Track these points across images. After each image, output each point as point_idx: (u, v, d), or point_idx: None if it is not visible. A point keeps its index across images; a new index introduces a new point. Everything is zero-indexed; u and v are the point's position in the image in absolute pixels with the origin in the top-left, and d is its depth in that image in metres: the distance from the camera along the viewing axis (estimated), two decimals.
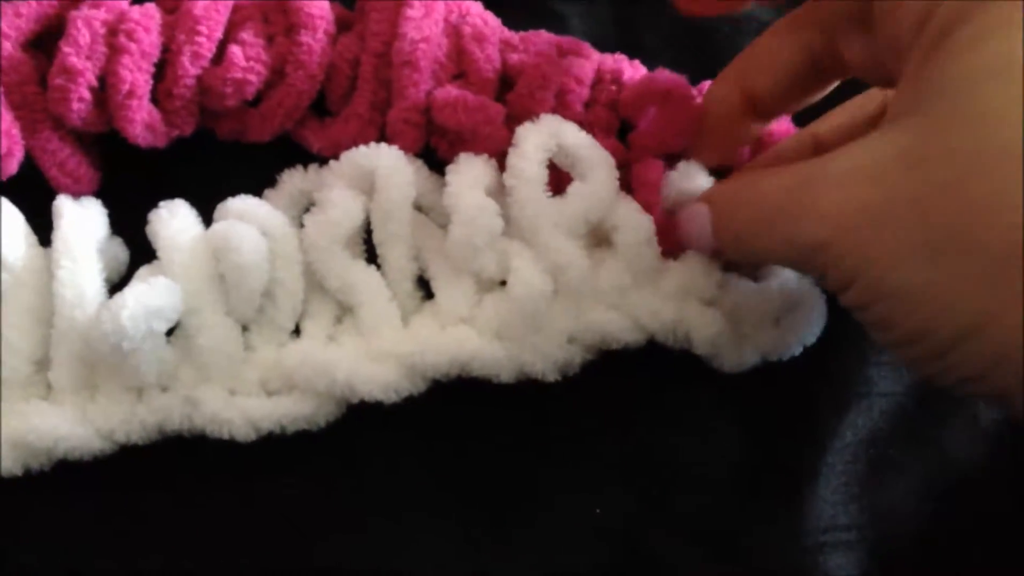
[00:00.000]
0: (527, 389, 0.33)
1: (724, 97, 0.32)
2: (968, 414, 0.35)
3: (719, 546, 0.33)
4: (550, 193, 0.32)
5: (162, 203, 0.32)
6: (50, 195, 0.33)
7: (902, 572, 0.34)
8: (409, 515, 0.33)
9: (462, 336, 0.32)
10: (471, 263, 0.32)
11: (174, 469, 0.33)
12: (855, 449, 0.34)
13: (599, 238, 0.33)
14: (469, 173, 0.32)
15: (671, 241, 0.32)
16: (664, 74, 0.34)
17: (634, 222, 0.32)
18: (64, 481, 0.31)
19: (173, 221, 0.32)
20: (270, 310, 0.32)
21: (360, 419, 0.32)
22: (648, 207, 0.32)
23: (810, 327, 0.34)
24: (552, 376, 0.32)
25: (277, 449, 0.32)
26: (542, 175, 0.32)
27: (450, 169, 0.33)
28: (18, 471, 0.31)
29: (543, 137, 0.32)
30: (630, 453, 0.34)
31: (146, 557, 0.32)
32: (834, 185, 0.25)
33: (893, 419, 0.35)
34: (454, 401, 0.33)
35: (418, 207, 0.33)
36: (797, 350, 0.34)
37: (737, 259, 0.31)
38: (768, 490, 0.34)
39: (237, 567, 0.32)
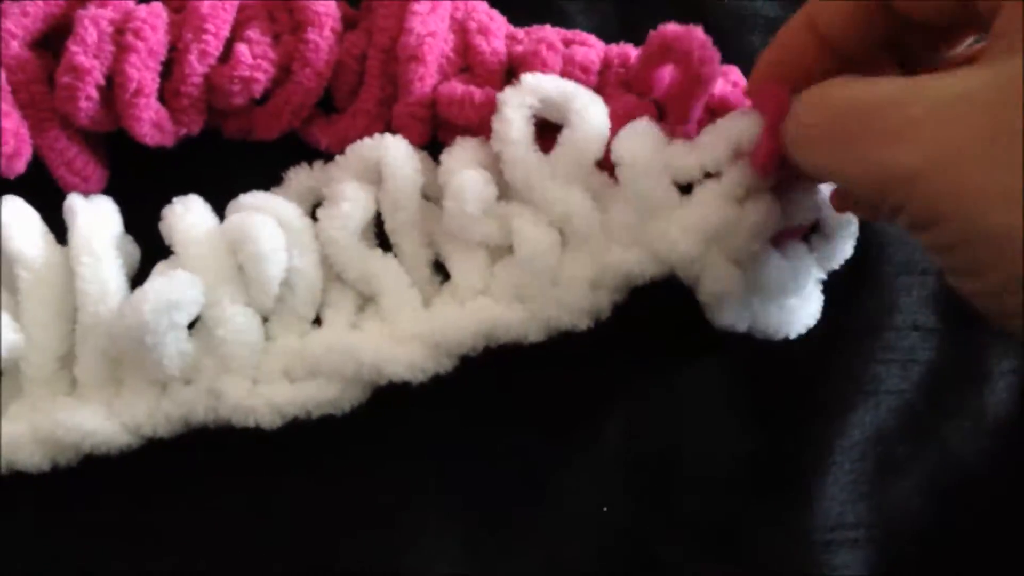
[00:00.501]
0: (534, 386, 0.33)
1: (788, 34, 0.30)
2: (975, 411, 0.35)
3: (725, 544, 0.34)
4: (537, 150, 0.32)
5: (176, 198, 0.32)
6: (57, 195, 0.33)
7: (909, 570, 0.34)
8: (413, 515, 0.33)
9: (482, 306, 0.32)
10: (471, 234, 0.32)
11: (188, 470, 0.33)
12: (863, 447, 0.34)
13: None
14: (461, 150, 0.33)
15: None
16: (661, 28, 0.32)
17: (634, 154, 0.31)
18: (79, 481, 0.31)
19: (188, 215, 0.32)
20: (290, 299, 0.32)
21: (365, 421, 0.32)
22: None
23: (803, 319, 0.33)
24: (583, 324, 0.32)
25: (285, 451, 0.32)
26: (527, 134, 0.32)
27: (445, 151, 0.33)
28: (46, 467, 0.31)
29: (522, 96, 0.32)
30: (635, 451, 0.34)
31: (160, 559, 0.32)
32: (934, 109, 0.22)
33: (901, 417, 0.35)
34: (457, 401, 0.33)
35: (426, 197, 0.34)
36: (782, 336, 0.33)
37: (805, 171, 0.28)
38: (775, 488, 0.34)
39: (247, 567, 0.33)
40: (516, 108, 0.32)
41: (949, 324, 0.36)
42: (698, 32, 0.31)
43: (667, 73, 0.33)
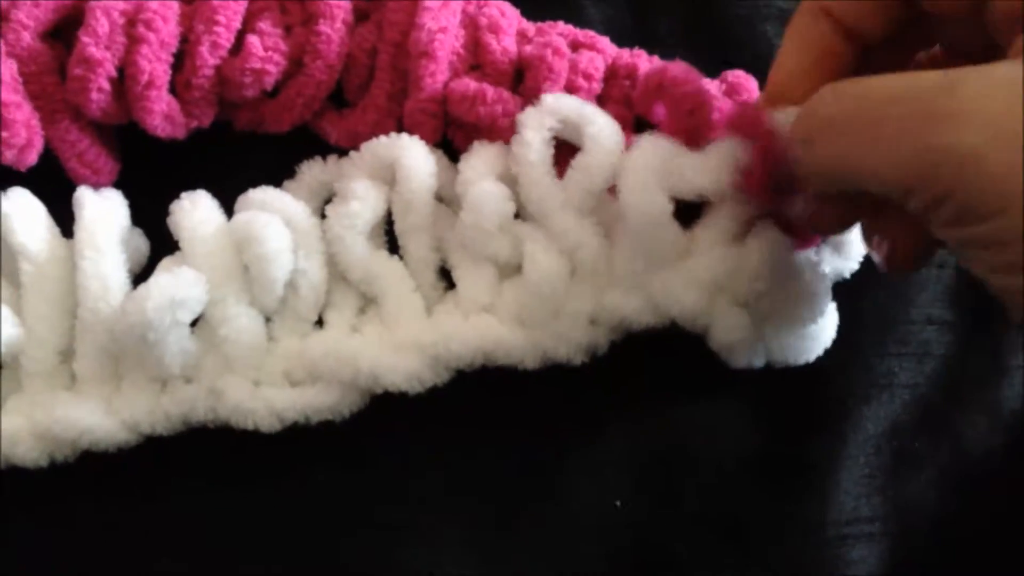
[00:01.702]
0: (539, 384, 0.33)
1: (802, 22, 0.29)
2: (990, 405, 0.35)
3: (739, 539, 0.33)
4: (554, 175, 0.32)
5: (184, 194, 0.32)
6: (68, 186, 0.33)
7: (924, 564, 0.34)
8: (420, 515, 0.33)
9: (485, 325, 0.32)
10: (483, 248, 0.32)
11: (187, 468, 0.33)
12: (877, 441, 0.34)
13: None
14: (481, 160, 0.32)
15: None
16: (666, 65, 0.32)
17: (640, 202, 0.30)
18: (75, 477, 0.31)
19: (195, 212, 0.32)
20: (293, 301, 0.32)
21: (369, 418, 0.32)
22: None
23: (822, 341, 0.33)
24: (578, 359, 0.32)
25: (288, 449, 0.32)
26: (545, 157, 0.32)
27: (463, 157, 0.33)
28: (44, 462, 0.31)
29: (542, 117, 0.32)
30: (647, 446, 0.34)
31: (158, 558, 0.32)
32: (989, 89, 0.21)
33: (915, 411, 0.35)
34: (466, 399, 0.33)
35: (438, 198, 0.33)
36: (803, 362, 0.33)
37: (823, 179, 0.27)
38: (790, 482, 0.34)
39: (249, 567, 0.33)
40: (536, 130, 0.32)
41: (964, 318, 0.36)
42: (690, 82, 0.31)
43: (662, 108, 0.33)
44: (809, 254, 0.33)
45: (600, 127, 0.31)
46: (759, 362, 0.33)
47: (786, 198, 0.30)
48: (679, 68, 0.31)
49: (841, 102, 0.25)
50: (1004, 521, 0.34)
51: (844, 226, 0.31)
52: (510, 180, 0.32)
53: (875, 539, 0.34)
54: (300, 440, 0.32)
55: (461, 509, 0.33)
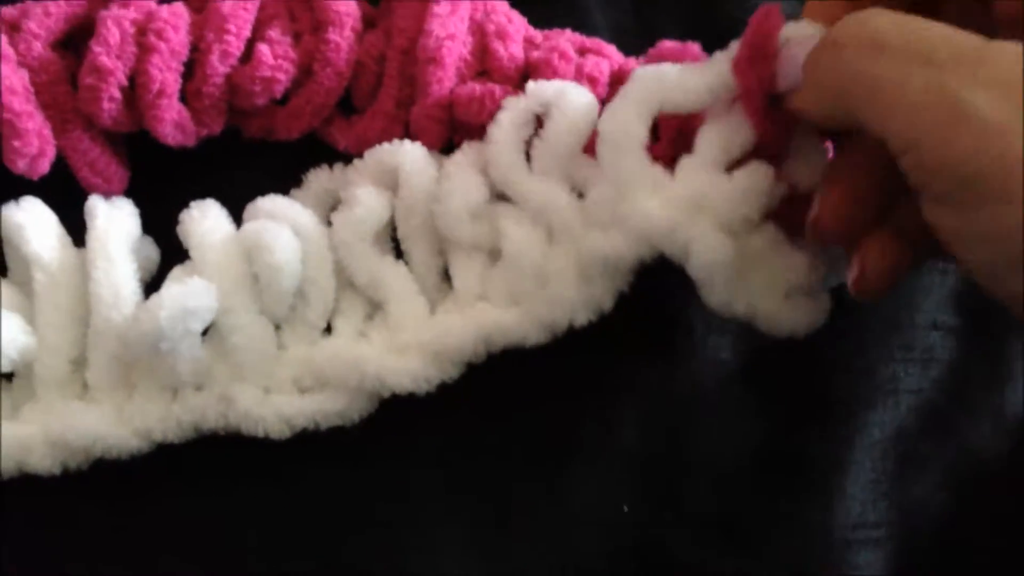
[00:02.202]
0: (541, 384, 0.33)
1: None
2: (995, 410, 0.35)
3: (745, 543, 0.34)
4: (522, 150, 0.32)
5: (193, 203, 0.32)
6: (79, 195, 0.33)
7: (930, 569, 0.34)
8: (422, 514, 0.33)
9: (478, 312, 0.32)
10: (460, 233, 0.32)
11: (193, 470, 0.33)
12: (883, 446, 0.34)
13: None
14: (463, 155, 0.33)
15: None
16: (659, 45, 0.32)
17: (613, 127, 0.30)
18: (85, 481, 0.32)
19: (205, 221, 0.32)
20: (302, 308, 0.32)
21: (372, 417, 0.32)
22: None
23: (810, 321, 0.31)
24: (581, 319, 0.31)
25: (292, 450, 0.32)
26: (512, 135, 0.32)
27: (451, 156, 0.33)
28: (57, 470, 0.31)
29: (519, 101, 0.32)
30: (651, 450, 0.34)
31: (165, 559, 0.33)
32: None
33: (920, 416, 0.35)
34: (467, 398, 0.33)
35: None
36: (785, 334, 0.31)
37: (821, 103, 0.26)
38: (796, 487, 0.34)
39: (254, 568, 0.33)
40: (510, 111, 0.32)
41: (969, 323, 0.36)
42: (689, 52, 0.31)
43: None
44: None
45: (571, 97, 0.31)
46: (737, 310, 0.30)
47: (779, 131, 0.29)
48: (672, 43, 0.32)
49: (885, 30, 0.24)
50: (1009, 525, 0.34)
51: (846, 229, 0.29)
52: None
53: (881, 544, 0.34)
54: (302, 440, 0.32)
55: (462, 508, 0.33)
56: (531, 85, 0.32)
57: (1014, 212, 0.21)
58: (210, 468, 0.33)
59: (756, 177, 0.29)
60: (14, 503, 0.32)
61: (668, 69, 0.30)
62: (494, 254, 0.33)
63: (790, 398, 0.34)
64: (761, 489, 0.34)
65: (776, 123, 0.29)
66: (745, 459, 0.34)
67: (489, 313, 0.32)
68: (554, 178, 0.32)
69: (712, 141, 0.30)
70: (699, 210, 0.29)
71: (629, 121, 0.30)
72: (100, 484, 0.32)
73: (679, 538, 0.34)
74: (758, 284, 0.30)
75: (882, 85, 0.23)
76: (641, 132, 0.30)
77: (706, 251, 0.29)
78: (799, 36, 0.27)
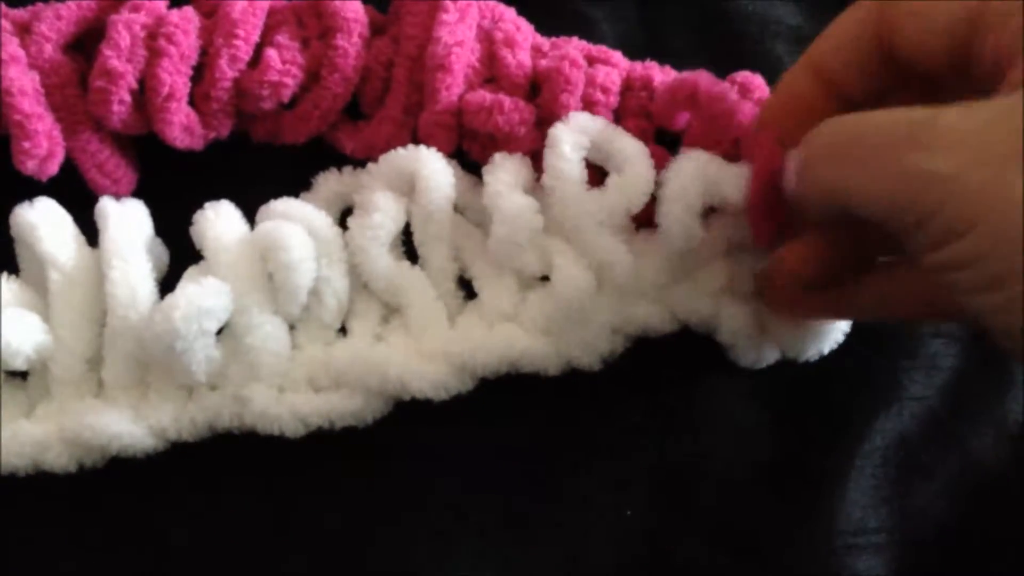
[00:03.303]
0: (556, 392, 0.34)
1: (792, 78, 0.30)
2: (997, 418, 0.35)
3: (748, 549, 0.34)
4: (589, 190, 0.32)
5: (207, 204, 0.32)
6: (87, 197, 0.33)
7: (931, 574, 0.34)
8: (433, 517, 0.33)
9: (511, 334, 0.32)
10: (514, 261, 0.33)
11: (203, 471, 0.33)
12: (884, 453, 0.34)
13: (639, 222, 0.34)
14: (507, 172, 0.33)
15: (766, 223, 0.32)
16: (695, 77, 0.33)
17: (683, 225, 0.31)
18: (95, 481, 0.32)
19: (219, 221, 0.32)
20: (316, 309, 0.33)
21: (389, 425, 0.33)
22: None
23: (831, 333, 0.34)
24: (596, 366, 0.33)
25: (302, 452, 0.32)
26: (581, 173, 0.32)
27: (487, 169, 0.33)
28: (73, 468, 0.31)
29: (575, 135, 0.32)
30: (657, 454, 0.34)
31: (173, 560, 0.33)
32: (965, 120, 0.23)
33: (923, 423, 0.35)
34: (478, 404, 0.33)
35: (454, 207, 0.34)
36: (814, 354, 0.34)
37: (818, 203, 0.28)
38: (797, 492, 0.34)
39: (263, 569, 0.33)
40: (573, 147, 0.32)
41: (972, 331, 0.36)
42: (721, 92, 0.32)
43: (685, 116, 0.34)
44: None
45: (634, 150, 0.32)
46: (769, 358, 0.34)
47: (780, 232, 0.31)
48: (708, 80, 0.32)
49: (839, 132, 0.27)
50: (1011, 532, 0.34)
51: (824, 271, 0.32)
52: (533, 192, 0.33)
53: (882, 549, 0.34)
54: (320, 446, 0.32)
55: (474, 512, 0.33)
56: (578, 116, 0.33)
57: (986, 235, 0.23)
58: (222, 471, 0.33)
59: (759, 255, 0.33)
60: (24, 501, 0.32)
61: (712, 163, 0.32)
62: (524, 279, 0.33)
63: (794, 405, 0.35)
64: (765, 495, 0.34)
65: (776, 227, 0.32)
66: (750, 466, 0.34)
67: (521, 338, 0.32)
68: (618, 234, 0.32)
69: (732, 224, 0.33)
70: (724, 292, 0.33)
71: (696, 215, 0.32)
72: (114, 485, 0.32)
73: (690, 547, 0.34)
74: (776, 329, 0.33)
75: (853, 183, 0.26)
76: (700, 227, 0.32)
77: (733, 327, 0.33)
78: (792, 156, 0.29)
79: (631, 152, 0.32)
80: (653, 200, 0.32)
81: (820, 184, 0.27)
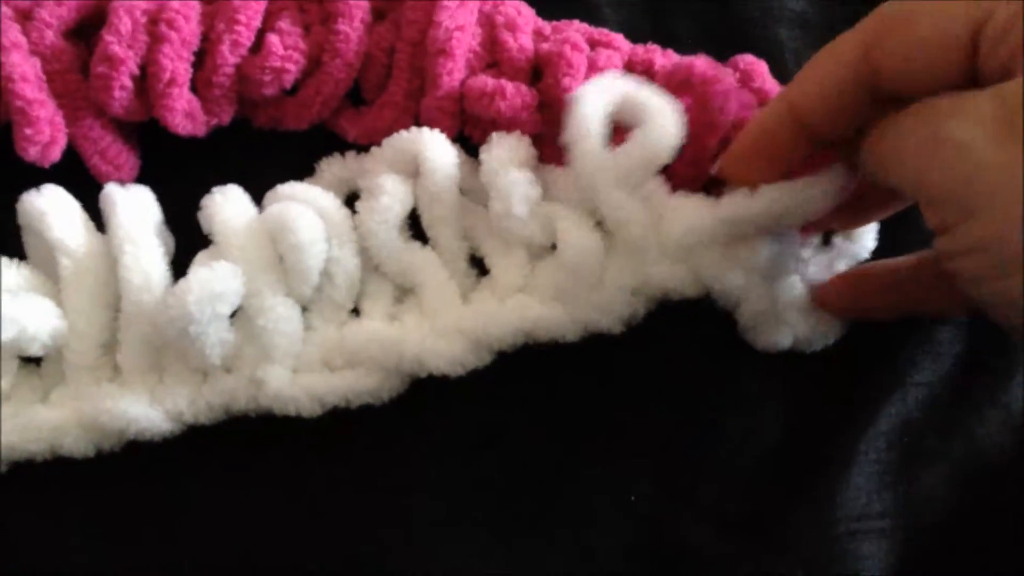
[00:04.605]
0: (564, 382, 0.34)
1: (768, 118, 0.30)
2: (1003, 404, 0.35)
3: (751, 533, 0.34)
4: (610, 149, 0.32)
5: (215, 188, 0.32)
6: (89, 183, 0.33)
7: (935, 561, 0.34)
8: (442, 512, 0.33)
9: (523, 305, 0.32)
10: (515, 232, 0.33)
11: (215, 462, 0.33)
12: (889, 438, 0.35)
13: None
14: (502, 149, 0.33)
15: None
16: (692, 61, 0.33)
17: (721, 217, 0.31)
18: (98, 467, 0.32)
19: (227, 205, 0.32)
20: (328, 289, 0.33)
21: (399, 415, 0.33)
22: None
23: (841, 325, 0.34)
24: (617, 329, 0.33)
25: (311, 450, 0.33)
26: (602, 129, 0.32)
27: (483, 148, 0.33)
28: (91, 453, 0.31)
29: (602, 92, 0.32)
30: (663, 439, 0.34)
31: (181, 548, 0.33)
32: (996, 95, 0.24)
33: (928, 409, 0.35)
34: (484, 398, 0.33)
35: (459, 189, 0.34)
36: (821, 346, 0.34)
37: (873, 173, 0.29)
38: (801, 477, 0.34)
39: (274, 564, 0.33)
40: (596, 105, 0.31)
41: (978, 317, 0.36)
42: (716, 76, 0.31)
43: (686, 102, 0.33)
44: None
45: (660, 104, 0.31)
46: (784, 343, 0.33)
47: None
48: (705, 64, 0.32)
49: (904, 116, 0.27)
50: (1014, 519, 0.34)
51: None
52: (530, 167, 0.33)
53: (886, 535, 0.34)
54: (331, 436, 0.33)
55: (482, 507, 0.33)
56: (606, 77, 0.32)
57: (990, 221, 0.24)
58: (231, 460, 0.33)
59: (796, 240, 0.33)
60: (32, 482, 0.32)
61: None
62: (533, 248, 0.33)
63: (797, 390, 0.35)
64: (769, 480, 0.34)
65: None
66: (754, 451, 0.34)
67: (533, 307, 0.32)
68: (636, 194, 0.32)
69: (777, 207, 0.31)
70: (757, 272, 0.32)
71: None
72: (123, 474, 0.32)
73: (695, 532, 0.34)
74: (793, 315, 0.33)
75: (888, 145, 0.27)
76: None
77: (758, 301, 0.33)
78: None
79: (654, 105, 0.31)
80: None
81: (872, 155, 0.28)
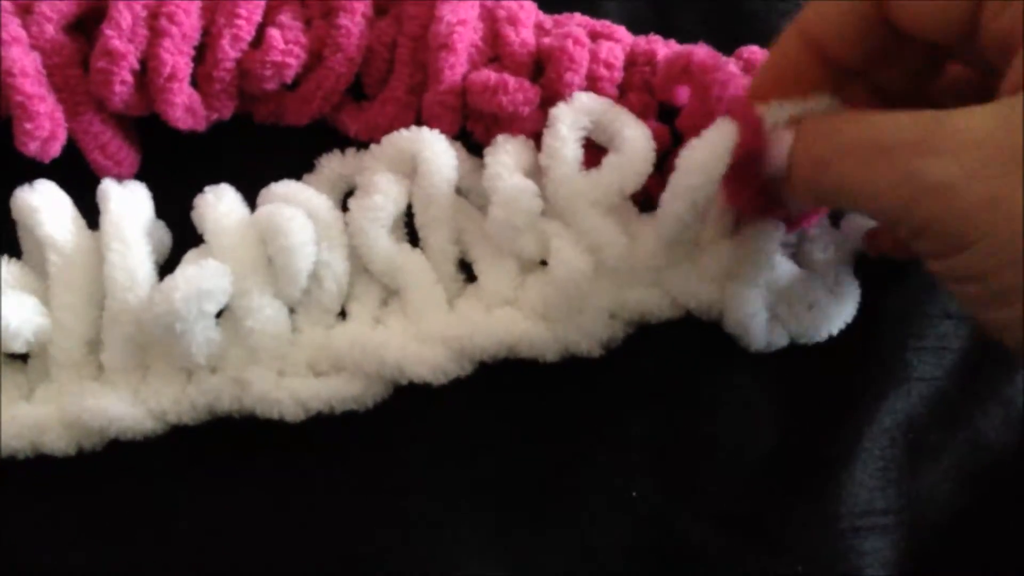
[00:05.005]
0: (561, 380, 0.33)
1: (782, 46, 0.29)
2: (1007, 399, 0.35)
3: (755, 530, 0.34)
4: (584, 171, 0.32)
5: (208, 187, 0.32)
6: (89, 178, 0.33)
7: (938, 556, 0.34)
8: (443, 512, 0.33)
9: (509, 319, 0.32)
10: (511, 244, 0.32)
11: (207, 464, 0.33)
12: (893, 434, 0.34)
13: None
14: (507, 154, 0.33)
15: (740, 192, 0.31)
16: (691, 49, 0.32)
17: (674, 204, 0.31)
18: (88, 467, 0.32)
19: (219, 204, 0.32)
20: (316, 292, 0.33)
21: (394, 415, 0.33)
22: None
23: (842, 314, 0.34)
24: (596, 352, 0.33)
25: (309, 449, 0.33)
26: (576, 154, 0.32)
27: (488, 151, 0.33)
28: (72, 451, 0.31)
29: (576, 115, 0.32)
30: (664, 437, 0.34)
31: (173, 548, 0.33)
32: (969, 126, 0.23)
33: (931, 404, 0.35)
34: (484, 397, 0.33)
35: (457, 189, 0.34)
36: (824, 335, 0.34)
37: (806, 194, 0.28)
38: (805, 474, 0.34)
39: (270, 567, 0.33)
40: (571, 128, 0.32)
41: None
42: (718, 68, 0.31)
43: (686, 91, 0.33)
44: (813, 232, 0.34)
45: (634, 131, 0.32)
46: (780, 341, 0.33)
47: (767, 204, 0.31)
48: (704, 52, 0.31)
49: (826, 141, 0.27)
50: (1018, 514, 0.34)
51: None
52: (535, 174, 0.33)
53: (889, 531, 0.34)
54: (327, 437, 0.32)
55: (484, 506, 0.33)
56: (581, 96, 0.32)
57: (987, 253, 0.23)
58: (230, 463, 0.33)
59: (768, 233, 0.32)
60: (22, 484, 0.32)
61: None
62: (525, 262, 0.33)
63: (801, 386, 0.34)
64: (773, 477, 0.34)
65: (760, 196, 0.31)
66: (758, 448, 0.34)
67: (519, 322, 0.32)
68: (611, 215, 0.32)
69: (725, 213, 0.32)
70: (729, 277, 0.32)
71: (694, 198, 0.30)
72: (116, 474, 0.32)
73: (698, 529, 0.34)
74: (784, 312, 0.33)
75: (853, 183, 0.26)
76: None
77: (741, 313, 0.32)
78: (779, 135, 0.29)
79: (630, 132, 0.32)
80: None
81: (820, 183, 0.27)
